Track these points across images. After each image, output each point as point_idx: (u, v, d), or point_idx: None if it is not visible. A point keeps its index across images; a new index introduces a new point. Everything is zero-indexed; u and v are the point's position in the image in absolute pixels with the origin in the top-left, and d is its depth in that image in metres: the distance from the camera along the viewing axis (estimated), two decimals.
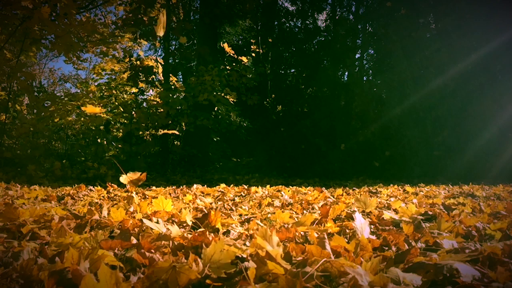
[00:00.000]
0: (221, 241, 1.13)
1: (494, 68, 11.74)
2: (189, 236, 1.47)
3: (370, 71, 15.26)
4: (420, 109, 11.78)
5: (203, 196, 3.90)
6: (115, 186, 4.78)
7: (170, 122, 10.56)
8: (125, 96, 10.86)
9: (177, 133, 10.06)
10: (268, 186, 5.63)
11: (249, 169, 12.24)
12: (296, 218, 2.13)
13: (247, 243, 1.48)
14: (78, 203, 3.01)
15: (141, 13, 10.68)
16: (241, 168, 12.66)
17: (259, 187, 5.00)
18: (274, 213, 2.44)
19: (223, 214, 2.20)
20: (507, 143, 10.62)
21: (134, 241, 1.42)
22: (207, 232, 1.43)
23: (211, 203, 3.17)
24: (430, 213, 2.39)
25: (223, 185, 5.34)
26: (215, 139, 12.43)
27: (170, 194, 4.12)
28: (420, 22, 12.65)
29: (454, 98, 11.47)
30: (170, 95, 10.26)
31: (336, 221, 2.16)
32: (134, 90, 11.02)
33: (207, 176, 9.57)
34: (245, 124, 12.84)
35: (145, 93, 11.76)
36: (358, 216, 1.61)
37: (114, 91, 10.66)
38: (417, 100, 11.57)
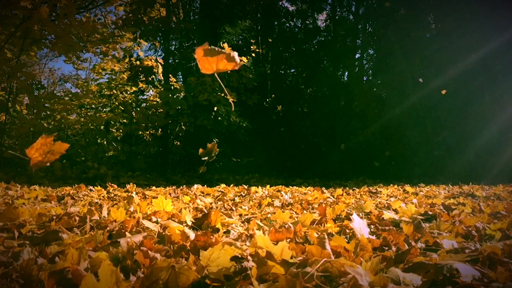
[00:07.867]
0: (220, 239, 1.13)
1: (494, 68, 11.72)
2: (190, 235, 1.47)
3: (370, 71, 15.25)
4: (420, 109, 11.76)
5: (203, 196, 3.90)
6: (115, 186, 4.78)
7: (170, 122, 10.56)
8: (125, 95, 10.86)
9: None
10: (268, 186, 5.63)
11: (249, 169, 12.23)
12: (296, 218, 2.13)
13: (247, 243, 1.48)
14: (78, 203, 3.01)
15: (141, 13, 10.68)
16: (241, 168, 12.65)
17: (259, 187, 5.00)
18: (274, 213, 2.44)
19: (223, 214, 2.19)
20: (507, 143, 10.60)
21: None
22: (209, 232, 1.43)
23: (211, 203, 3.17)
24: (430, 213, 2.39)
25: (223, 185, 5.34)
26: (214, 140, 12.42)
27: (170, 194, 4.11)
28: (420, 22, 12.63)
29: (454, 98, 11.44)
30: (170, 95, 10.26)
31: (336, 221, 2.16)
32: (134, 89, 11.02)
33: (207, 176, 9.57)
34: (244, 125, 12.83)
35: (145, 93, 11.76)
36: (355, 217, 1.60)
37: (114, 91, 10.67)
38: (417, 100, 11.55)
